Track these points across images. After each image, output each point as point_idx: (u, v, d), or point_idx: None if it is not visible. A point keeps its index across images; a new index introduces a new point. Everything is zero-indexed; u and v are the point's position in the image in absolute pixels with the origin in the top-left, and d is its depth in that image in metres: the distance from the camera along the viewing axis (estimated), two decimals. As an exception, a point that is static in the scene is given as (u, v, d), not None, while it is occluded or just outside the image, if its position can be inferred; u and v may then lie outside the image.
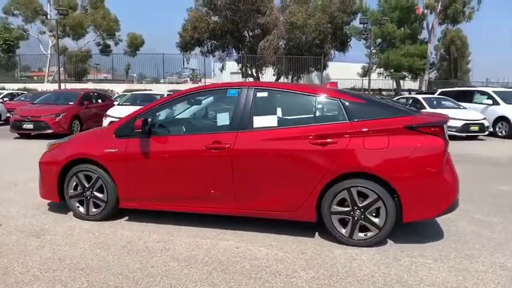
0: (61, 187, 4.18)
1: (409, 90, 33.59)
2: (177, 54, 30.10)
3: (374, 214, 3.42)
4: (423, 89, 30.38)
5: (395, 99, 13.14)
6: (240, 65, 30.21)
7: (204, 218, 4.03)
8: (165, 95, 13.48)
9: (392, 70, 33.08)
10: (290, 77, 29.52)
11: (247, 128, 3.62)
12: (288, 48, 27.51)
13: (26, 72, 35.56)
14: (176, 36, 29.31)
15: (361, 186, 3.38)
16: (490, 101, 13.32)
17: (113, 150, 3.92)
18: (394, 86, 34.93)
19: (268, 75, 29.61)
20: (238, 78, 29.39)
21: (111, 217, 4.12)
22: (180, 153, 3.75)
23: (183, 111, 4.36)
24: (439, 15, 30.57)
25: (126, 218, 4.20)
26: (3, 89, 23.07)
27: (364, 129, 3.39)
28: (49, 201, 4.60)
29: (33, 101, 14.36)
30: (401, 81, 35.17)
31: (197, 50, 29.87)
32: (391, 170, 3.31)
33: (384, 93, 31.71)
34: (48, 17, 26.77)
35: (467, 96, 14.27)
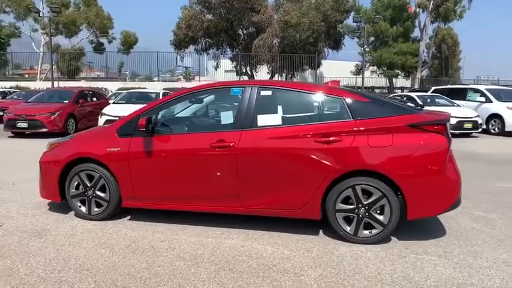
0: (62, 187, 4.14)
1: (402, 88, 33.85)
2: (171, 52, 29.96)
3: (378, 211, 3.44)
4: (416, 86, 30.63)
5: (389, 96, 13.22)
6: (234, 63, 30.16)
7: (207, 216, 4.03)
8: (161, 94, 13.46)
9: (385, 68, 33.29)
10: (284, 75, 29.56)
11: (252, 126, 3.62)
12: (282, 47, 27.53)
13: (17, 70, 35.10)
14: (170, 34, 29.20)
15: (365, 184, 3.40)
16: (483, 99, 13.48)
17: (115, 149, 3.89)
18: (387, 84, 35.16)
19: (262, 73, 29.61)
20: (232, 77, 29.34)
21: (113, 217, 4.09)
22: (183, 152, 3.74)
23: (187, 110, 4.33)
24: (431, 13, 30.80)
25: (128, 217, 4.18)
26: (-5, 87, 22.76)
27: (368, 128, 3.41)
28: (49, 200, 4.56)
29: (26, 99, 14.19)
30: (393, 79, 35.41)
31: (191, 48, 29.77)
32: (396, 168, 3.33)
33: (376, 91, 31.90)
34: (41, 15, 26.40)
35: (460, 94, 14.41)
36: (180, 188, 3.79)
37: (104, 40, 34.90)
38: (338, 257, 3.24)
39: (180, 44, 29.06)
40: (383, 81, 35.23)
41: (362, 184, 3.40)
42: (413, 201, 3.35)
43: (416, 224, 3.89)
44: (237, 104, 3.77)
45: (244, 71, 29.50)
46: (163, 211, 4.07)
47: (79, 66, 32.63)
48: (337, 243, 3.50)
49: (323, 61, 31.17)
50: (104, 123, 11.00)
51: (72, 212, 4.25)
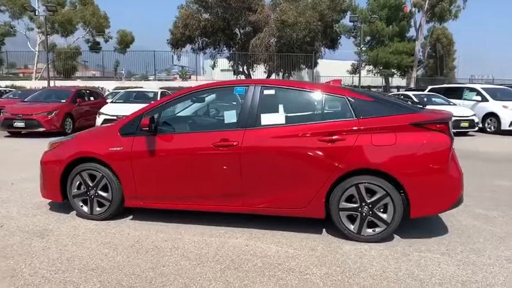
0: (63, 186, 4.12)
1: (398, 87, 34.02)
2: (168, 51, 29.89)
3: (382, 210, 3.45)
4: (412, 85, 30.76)
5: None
6: (231, 62, 30.14)
7: (209, 216, 4.02)
8: (159, 93, 13.42)
9: (381, 67, 33.40)
10: (281, 74, 29.58)
11: (255, 125, 3.62)
12: (279, 46, 27.56)
13: (11, 70, 34.82)
14: (167, 33, 29.12)
15: (369, 183, 3.41)
16: (479, 98, 13.57)
17: (118, 149, 3.87)
18: (383, 83, 35.29)
19: (259, 72, 29.61)
20: (229, 76, 29.31)
21: (115, 216, 4.08)
22: (187, 151, 3.73)
23: (189, 109, 4.32)
24: (426, 13, 30.94)
25: (131, 217, 4.16)
26: (-10, 86, 22.58)
27: (372, 126, 3.42)
28: (49, 200, 4.53)
29: (23, 98, 14.09)
30: (389, 79, 35.55)
31: (188, 47, 29.71)
32: (399, 167, 3.35)
33: (373, 90, 31.99)
34: (36, 13, 26.19)
35: (456, 93, 14.50)
36: (183, 188, 3.78)
37: (100, 39, 34.71)
38: (342, 255, 3.25)
39: (177, 43, 29.00)
40: (379, 81, 35.36)
41: (365, 183, 3.42)
42: (416, 199, 3.37)
43: (418, 222, 3.91)
44: (240, 103, 3.76)
45: (241, 70, 29.48)
46: (165, 210, 4.06)
47: (75, 66, 32.42)
48: (340, 242, 3.51)
49: (319, 60, 31.24)
50: (102, 123, 10.94)
51: (74, 212, 4.23)
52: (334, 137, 3.43)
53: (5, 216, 4.17)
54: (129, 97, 13.46)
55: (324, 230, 3.79)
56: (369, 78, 34.12)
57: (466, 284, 2.78)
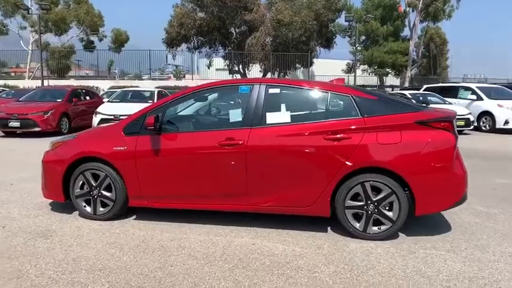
0: (66, 186, 4.08)
1: (392, 87, 34.19)
2: (163, 50, 29.78)
3: (387, 208, 3.47)
4: (406, 85, 30.96)
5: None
6: (226, 61, 30.09)
7: (213, 215, 4.01)
8: (155, 92, 13.36)
9: (376, 67, 33.57)
10: (277, 73, 29.60)
11: (261, 124, 3.61)
12: (275, 45, 27.57)
13: (2, 69, 34.44)
14: (162, 32, 29.00)
15: (374, 181, 3.43)
16: (474, 97, 13.70)
17: (122, 148, 3.84)
18: (378, 83, 35.46)
19: (254, 71, 29.60)
20: (224, 75, 29.27)
21: (119, 216, 4.05)
22: (192, 150, 3.72)
23: (194, 108, 4.31)
24: (420, 13, 31.14)
25: (134, 216, 4.14)
26: (-18, 86, 22.31)
27: (377, 125, 3.43)
28: (50, 200, 4.49)
29: (16, 98, 13.96)
30: (384, 78, 35.73)
31: (183, 46, 29.61)
32: (405, 165, 3.36)
33: (368, 89, 32.07)
34: (30, 12, 25.91)
35: (451, 92, 14.63)
36: (189, 187, 3.77)
37: (94, 38, 34.47)
38: (349, 253, 3.26)
39: (172, 42, 28.89)
40: (373, 80, 35.53)
41: (371, 181, 3.43)
42: (421, 197, 3.39)
43: (422, 220, 3.94)
44: (245, 102, 3.76)
45: (236, 69, 29.45)
46: (167, 210, 4.03)
47: (69, 65, 32.15)
48: (346, 240, 3.53)
49: (315, 60, 31.30)
50: (99, 122, 10.88)
51: (76, 212, 4.20)
52: (339, 136, 3.44)
53: (6, 217, 4.12)
54: (126, 96, 13.38)
55: (329, 228, 3.80)
56: (364, 77, 34.29)
57: (473, 280, 2.80)
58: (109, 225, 3.89)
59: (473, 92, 13.82)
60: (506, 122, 12.50)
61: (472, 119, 12.48)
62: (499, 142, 11.10)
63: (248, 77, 28.77)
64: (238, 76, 29.09)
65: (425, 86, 16.51)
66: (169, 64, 44.32)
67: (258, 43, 26.55)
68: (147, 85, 23.02)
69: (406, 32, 34.59)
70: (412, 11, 32.36)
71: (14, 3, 28.09)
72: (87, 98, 13.71)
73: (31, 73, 31.41)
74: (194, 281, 2.78)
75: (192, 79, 28.75)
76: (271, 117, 3.63)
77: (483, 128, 13.13)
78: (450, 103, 13.39)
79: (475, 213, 4.36)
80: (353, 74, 28.48)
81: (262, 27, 26.45)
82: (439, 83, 21.89)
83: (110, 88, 22.47)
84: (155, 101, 12.50)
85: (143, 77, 31.68)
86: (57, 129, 11.28)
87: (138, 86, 20.81)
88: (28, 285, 2.71)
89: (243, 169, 3.59)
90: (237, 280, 2.79)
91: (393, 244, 3.44)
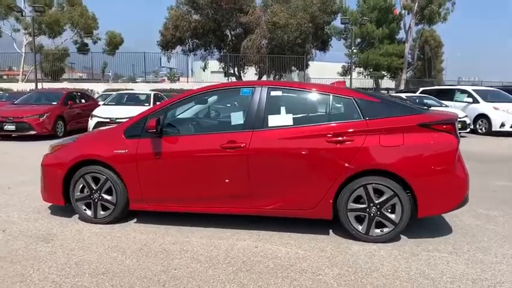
0: (65, 190, 4.05)
1: (387, 89, 34.36)
2: (157, 52, 29.69)
3: (390, 210, 3.48)
4: (401, 87, 31.13)
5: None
6: (222, 63, 30.06)
7: (214, 218, 4.00)
8: (152, 95, 13.31)
9: (371, 69, 33.72)
10: (272, 76, 29.63)
11: (263, 127, 3.61)
12: (270, 48, 27.58)
13: (-6, 72, 34.14)
14: (157, 35, 28.92)
15: (377, 183, 3.44)
16: (470, 99, 13.81)
17: (123, 151, 3.83)
18: (373, 85, 35.62)
19: (250, 74, 29.60)
20: (219, 78, 29.25)
21: (119, 220, 4.02)
22: (193, 153, 3.71)
23: (195, 111, 4.30)
24: (415, 15, 31.37)
25: (135, 220, 4.12)
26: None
27: (380, 127, 3.45)
28: (50, 204, 4.46)
29: (10, 101, 13.83)
30: (379, 80, 35.90)
31: (178, 48, 29.53)
32: (407, 167, 3.38)
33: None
34: (23, 14, 25.70)
35: (448, 95, 14.73)
36: (190, 190, 3.75)
37: (88, 41, 34.25)
38: (352, 255, 3.26)
39: (167, 44, 28.78)
40: (369, 82, 35.69)
41: (373, 183, 3.44)
42: (424, 199, 3.41)
43: (423, 222, 3.95)
44: (246, 104, 3.76)
45: (231, 72, 29.43)
46: (168, 213, 4.02)
47: (63, 68, 31.93)
48: (349, 242, 3.53)
49: (310, 62, 31.38)
50: (95, 125, 10.81)
51: (76, 216, 4.17)
52: (342, 138, 3.46)
53: (6, 221, 4.08)
54: (121, 99, 13.30)
55: (330, 230, 3.81)
56: (360, 80, 34.43)
57: (477, 282, 2.82)
58: (110, 229, 3.86)
59: (470, 95, 13.93)
60: (502, 125, 12.62)
61: (468, 121, 12.58)
62: (495, 145, 11.19)
63: (243, 79, 28.79)
64: (234, 79, 29.08)
65: (421, 89, 16.62)
66: (163, 67, 44.23)
67: (254, 45, 26.54)
68: (141, 88, 22.90)
69: (401, 34, 34.84)
70: (408, 13, 32.57)
71: (7, 5, 27.87)
72: (83, 100, 13.64)
73: (24, 76, 31.15)
74: (199, 284, 2.77)
75: (188, 82, 28.66)
76: (273, 120, 3.63)
77: (479, 131, 13.24)
78: (447, 106, 13.49)
79: (475, 216, 4.38)
80: (348, 77, 28.57)
81: (257, 30, 26.45)
82: (434, 85, 22.08)
83: (104, 91, 22.31)
84: (151, 104, 12.46)
85: (137, 80, 31.54)
86: (52, 132, 11.21)
87: (132, 89, 20.69)
88: (31, 290, 2.68)
89: (245, 172, 3.59)
90: (241, 283, 2.78)
91: (395, 246, 3.46)
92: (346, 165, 3.42)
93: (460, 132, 12.91)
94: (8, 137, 11.37)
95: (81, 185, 4.00)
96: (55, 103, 12.02)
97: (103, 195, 3.95)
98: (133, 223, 4.04)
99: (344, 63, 35.45)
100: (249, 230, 3.83)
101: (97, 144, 4.06)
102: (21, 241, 3.54)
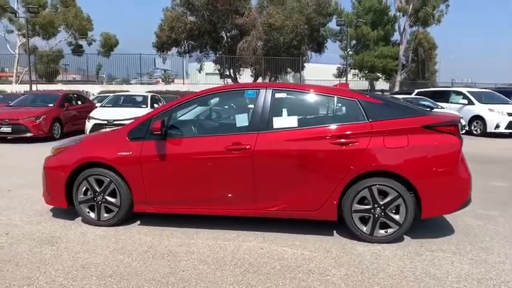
0: (69, 192, 4.04)
1: (382, 91, 34.55)
2: (153, 54, 29.62)
3: (394, 211, 3.51)
4: (396, 89, 31.34)
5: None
6: (217, 65, 30.07)
7: (219, 219, 4.01)
8: (149, 97, 13.28)
9: (366, 71, 33.90)
10: (268, 77, 29.68)
11: (267, 129, 3.63)
12: (266, 49, 27.64)
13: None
14: (152, 36, 28.86)
15: (381, 185, 3.47)
16: (465, 101, 13.94)
17: (127, 153, 3.82)
18: (368, 87, 35.81)
19: (246, 76, 29.64)
20: (214, 79, 29.26)
21: (123, 222, 4.01)
22: (198, 155, 3.71)
23: (200, 113, 4.30)
24: (410, 17, 31.63)
25: (138, 222, 4.11)
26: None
27: (384, 129, 3.48)
28: (51, 207, 4.44)
29: (4, 103, 13.71)
30: (374, 82, 36.09)
31: (174, 50, 29.51)
32: (411, 169, 3.42)
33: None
34: (17, 15, 25.51)
35: (443, 96, 14.88)
36: (195, 192, 3.76)
37: (83, 42, 34.07)
38: (358, 256, 3.29)
39: (162, 46, 28.76)
40: (364, 84, 35.87)
41: (378, 184, 3.47)
42: (428, 200, 3.45)
43: (425, 223, 3.98)
44: (251, 106, 3.78)
45: (227, 73, 29.45)
46: (171, 215, 4.01)
47: (57, 69, 31.72)
48: (353, 243, 3.56)
49: (306, 64, 31.48)
50: (92, 127, 10.75)
51: (79, 218, 4.15)
52: (347, 140, 3.48)
53: (8, 224, 4.05)
54: (118, 101, 13.26)
55: (334, 231, 3.83)
56: (355, 81, 34.59)
57: (482, 282, 2.86)
58: (114, 231, 3.85)
59: (465, 97, 14.07)
60: (497, 126, 12.75)
61: (463, 123, 12.70)
62: (490, 146, 11.30)
63: (239, 81, 28.82)
64: (229, 80, 29.10)
65: (416, 91, 16.75)
66: (157, 68, 44.08)
67: (249, 47, 26.59)
68: (137, 90, 22.85)
69: (396, 36, 35.09)
70: (403, 15, 32.83)
71: (1, 6, 27.65)
72: (79, 102, 13.56)
73: (18, 77, 30.91)
74: (207, 285, 2.77)
75: (184, 84, 28.61)
76: (278, 122, 3.65)
77: (474, 132, 13.37)
78: (442, 107, 13.61)
79: (476, 216, 4.44)
80: (344, 79, 28.72)
81: (253, 31, 26.51)
82: (429, 87, 22.26)
83: (99, 93, 22.23)
84: (149, 105, 12.43)
85: (131, 82, 31.43)
86: (49, 134, 11.12)
87: (128, 91, 20.63)
88: (38, 293, 2.67)
89: (250, 174, 3.60)
90: (250, 284, 2.79)
91: (400, 247, 3.49)
92: (351, 166, 3.45)
93: (456, 134, 12.97)
94: (3, 139, 11.26)
95: (85, 188, 3.99)
96: (51, 105, 11.93)
97: (107, 197, 3.94)
98: (137, 225, 4.04)
99: (339, 65, 35.64)
100: (254, 231, 3.84)
101: (100, 147, 4.05)
102: (25, 244, 3.52)
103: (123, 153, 3.83)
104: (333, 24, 31.44)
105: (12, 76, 32.46)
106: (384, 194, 3.49)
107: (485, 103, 13.44)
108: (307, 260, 3.21)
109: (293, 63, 29.04)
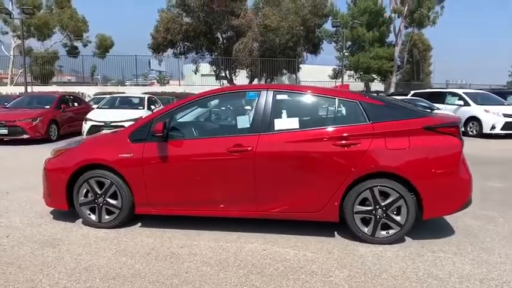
0: (69, 194, 4.02)
1: (377, 92, 34.72)
2: (148, 55, 29.54)
3: (395, 212, 3.54)
4: (391, 90, 31.50)
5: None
6: (213, 66, 30.05)
7: (220, 221, 4.01)
8: (145, 98, 13.25)
9: (362, 72, 34.03)
10: (264, 79, 29.72)
11: (269, 130, 3.64)
12: (262, 51, 27.66)
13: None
14: (147, 37, 28.77)
15: (383, 186, 3.49)
16: (461, 102, 14.04)
17: (128, 155, 3.81)
18: (364, 88, 35.96)
19: (241, 77, 29.64)
20: (210, 81, 29.23)
21: (124, 224, 4.00)
22: (200, 156, 3.72)
23: (201, 115, 4.31)
24: (405, 19, 31.81)
25: (140, 224, 4.10)
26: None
27: (385, 130, 3.50)
28: (52, 209, 4.42)
29: (1, 104, 13.62)
30: (369, 83, 36.25)
31: (169, 51, 29.44)
32: (413, 170, 3.44)
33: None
34: (12, 16, 25.33)
35: (439, 98, 14.96)
36: (197, 193, 3.76)
37: (78, 43, 33.86)
38: (360, 257, 3.31)
39: (158, 47, 28.68)
40: (359, 85, 36.02)
41: (379, 186, 3.49)
42: (429, 201, 3.47)
43: (426, 223, 4.00)
44: (252, 108, 3.79)
45: (223, 75, 29.43)
46: (173, 217, 4.01)
47: (53, 71, 31.52)
48: (355, 244, 3.57)
49: (301, 65, 31.56)
50: (89, 129, 10.72)
51: (79, 220, 4.13)
52: (348, 141, 3.50)
53: (9, 227, 4.03)
54: (114, 102, 13.22)
55: (335, 232, 3.85)
56: (350, 83, 34.72)
57: (484, 282, 2.89)
58: (115, 233, 3.84)
59: (461, 98, 14.17)
60: (493, 127, 12.85)
61: (459, 123, 12.78)
62: (486, 147, 11.39)
63: (235, 82, 28.82)
64: (225, 82, 29.08)
65: (412, 92, 16.85)
66: (152, 70, 43.95)
67: (245, 48, 26.58)
68: (133, 91, 22.74)
69: (391, 37, 35.26)
70: (398, 17, 33.01)
71: (-5, 8, 27.41)
72: (75, 104, 13.50)
73: (12, 79, 30.68)
74: (211, 287, 2.78)
75: (180, 85, 28.55)
76: (279, 124, 3.67)
77: (470, 133, 13.46)
78: (438, 108, 13.70)
79: (475, 217, 4.47)
80: (339, 80, 28.83)
81: (249, 33, 26.51)
82: (424, 88, 22.39)
83: (95, 94, 22.15)
84: (145, 107, 12.41)
85: (126, 83, 31.32)
86: (45, 136, 11.06)
87: (124, 92, 20.56)
88: (42, 296, 2.66)
89: (251, 175, 3.61)
90: (254, 286, 2.80)
91: (401, 248, 3.51)
92: (353, 168, 3.47)
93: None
94: (0, 141, 11.20)
95: (85, 190, 3.97)
96: (48, 107, 11.86)
97: (108, 199, 3.93)
98: (138, 227, 4.03)
99: (335, 66, 35.75)
100: (255, 232, 3.84)
101: (101, 149, 4.04)
102: (27, 246, 3.50)
103: (125, 155, 3.83)
104: (328, 26, 31.52)
105: (7, 78, 32.20)
106: (385, 195, 3.52)
107: (481, 104, 13.54)
108: (309, 261, 3.23)
109: (289, 64, 29.09)
